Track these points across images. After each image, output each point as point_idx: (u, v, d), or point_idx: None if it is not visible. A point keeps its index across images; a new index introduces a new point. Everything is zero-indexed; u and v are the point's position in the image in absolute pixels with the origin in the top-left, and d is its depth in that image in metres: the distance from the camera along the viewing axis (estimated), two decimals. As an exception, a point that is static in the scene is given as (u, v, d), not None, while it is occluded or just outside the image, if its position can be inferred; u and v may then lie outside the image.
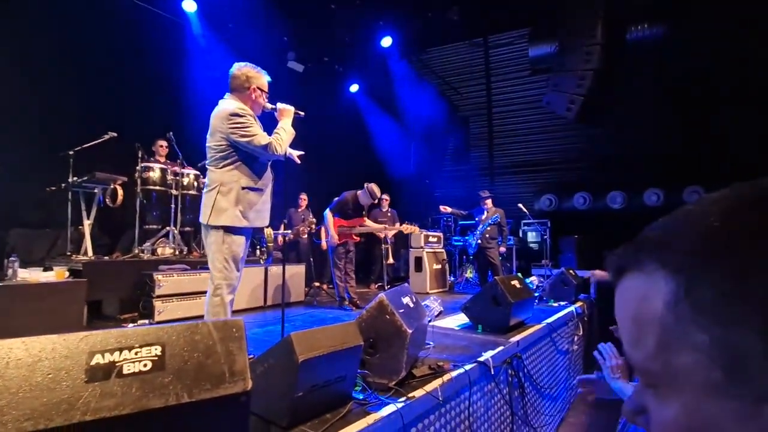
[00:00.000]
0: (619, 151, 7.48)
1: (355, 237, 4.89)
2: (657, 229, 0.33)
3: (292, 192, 6.60)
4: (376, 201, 5.01)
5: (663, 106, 6.99)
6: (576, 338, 4.43)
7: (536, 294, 4.62)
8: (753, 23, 6.03)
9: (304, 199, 6.52)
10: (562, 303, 4.69)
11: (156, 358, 1.05)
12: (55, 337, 0.97)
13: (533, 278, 5.67)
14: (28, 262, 3.86)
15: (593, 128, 7.66)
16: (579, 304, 4.82)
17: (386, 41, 8.11)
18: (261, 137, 2.33)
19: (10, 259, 3.22)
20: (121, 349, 1.02)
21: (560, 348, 3.96)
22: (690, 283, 0.29)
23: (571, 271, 5.05)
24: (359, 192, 4.85)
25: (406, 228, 5.12)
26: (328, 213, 4.81)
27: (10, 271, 3.17)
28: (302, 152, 2.83)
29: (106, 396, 0.95)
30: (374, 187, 4.78)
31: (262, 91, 2.48)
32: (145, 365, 1.02)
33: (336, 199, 4.89)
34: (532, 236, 7.75)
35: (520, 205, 6.08)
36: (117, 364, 1.00)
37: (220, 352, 1.14)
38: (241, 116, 2.30)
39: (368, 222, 5.02)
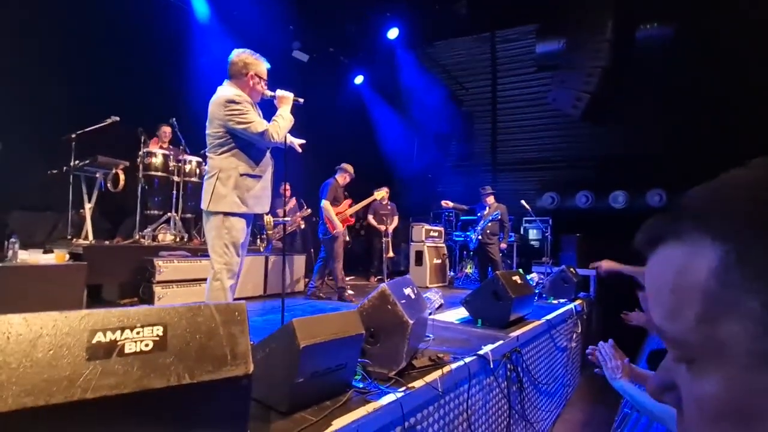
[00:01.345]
0: (623, 150, 7.44)
1: (351, 219, 4.98)
2: (697, 196, 0.31)
3: (293, 183, 6.56)
4: (354, 177, 5.20)
5: (670, 106, 6.94)
6: (575, 336, 4.44)
7: (536, 291, 4.62)
8: (762, 23, 5.96)
9: (287, 189, 6.44)
10: (561, 300, 4.70)
11: (157, 338, 1.04)
12: (57, 314, 0.96)
13: (533, 275, 5.66)
14: (29, 244, 3.84)
15: (598, 127, 7.61)
16: (579, 302, 4.82)
17: (393, 33, 8.04)
18: (258, 124, 2.32)
19: (11, 240, 3.21)
20: (122, 329, 1.01)
21: (559, 345, 3.96)
22: (742, 249, 0.27)
23: (571, 269, 5.05)
24: (337, 176, 5.05)
25: (378, 193, 5.37)
26: (326, 203, 4.79)
27: (10, 252, 3.16)
28: (303, 141, 2.81)
29: (107, 374, 0.94)
30: (348, 166, 5.10)
31: (260, 78, 2.46)
32: (146, 345, 1.01)
33: (325, 189, 4.89)
34: (533, 233, 7.74)
35: (523, 202, 6.05)
36: (118, 343, 0.99)
37: (222, 335, 1.13)
38: (237, 103, 2.30)
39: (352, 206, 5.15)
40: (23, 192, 4.49)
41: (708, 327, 0.28)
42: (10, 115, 4.23)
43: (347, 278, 6.95)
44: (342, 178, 5.05)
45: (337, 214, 4.81)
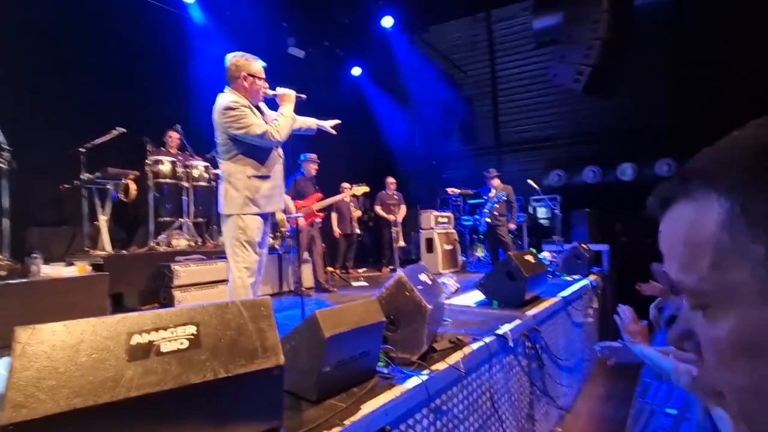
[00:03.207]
0: (628, 122, 7.34)
1: (317, 214, 4.87)
2: (703, 158, 0.34)
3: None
4: (318, 162, 5.09)
5: (674, 73, 6.82)
6: (591, 311, 4.46)
7: (549, 269, 4.62)
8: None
9: None
10: (575, 277, 4.70)
11: (192, 336, 1.08)
12: (95, 320, 1.01)
13: (545, 254, 5.67)
14: (49, 259, 3.93)
15: (601, 100, 7.51)
16: (593, 277, 4.83)
17: (387, 21, 7.96)
18: (256, 126, 2.34)
19: (33, 255, 3.29)
20: (157, 329, 1.06)
21: (576, 321, 3.99)
22: (745, 199, 0.30)
23: (583, 245, 5.04)
24: (303, 170, 4.95)
25: (357, 189, 5.03)
26: (285, 197, 4.75)
27: (33, 268, 3.24)
28: (338, 121, 2.84)
29: (148, 373, 0.99)
30: (310, 155, 5.01)
31: (254, 77, 2.45)
32: (181, 343, 1.06)
33: (287, 185, 4.83)
34: (542, 212, 7.71)
35: (530, 181, 6.03)
36: (155, 344, 1.03)
37: (251, 330, 1.17)
38: (233, 109, 2.32)
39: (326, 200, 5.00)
40: (38, 208, 4.58)
41: (720, 274, 0.31)
42: (19, 133, 4.30)
43: (359, 270, 7.03)
44: (308, 170, 4.96)
45: (301, 208, 4.73)
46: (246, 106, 2.38)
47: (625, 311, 1.64)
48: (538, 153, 8.47)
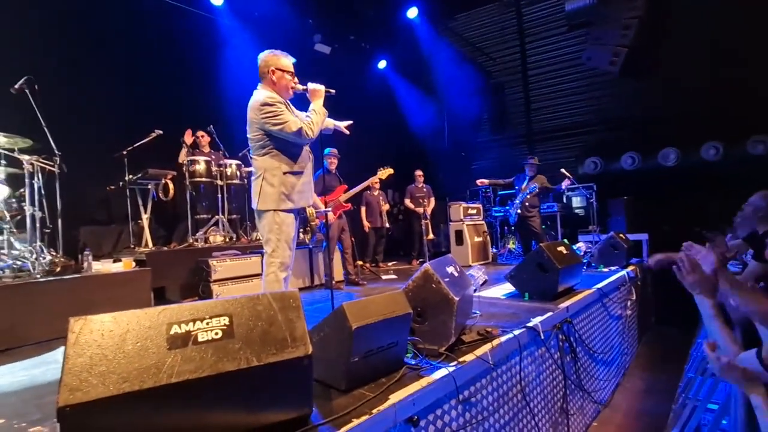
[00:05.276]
0: (668, 105, 6.93)
1: (345, 205, 4.83)
2: None
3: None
4: (339, 157, 5.05)
5: (717, 52, 6.36)
6: (629, 303, 4.29)
7: (584, 260, 4.47)
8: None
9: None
10: (612, 268, 4.54)
11: (225, 327, 1.15)
12: (138, 311, 1.09)
13: (580, 245, 5.49)
14: (99, 255, 4.22)
15: (639, 82, 7.13)
16: (631, 268, 4.63)
17: (412, 12, 7.88)
18: (292, 123, 2.38)
19: (85, 253, 3.55)
20: (194, 320, 1.12)
21: (613, 313, 3.85)
22: None
23: (621, 235, 4.84)
24: (325, 165, 4.88)
25: (382, 173, 4.92)
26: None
27: (85, 264, 3.50)
28: (350, 122, 2.87)
29: (187, 361, 1.05)
30: (331, 150, 4.98)
31: (282, 71, 2.48)
32: (216, 333, 1.12)
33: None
34: (577, 201, 7.45)
35: (563, 170, 5.83)
36: (192, 333, 1.10)
37: (281, 320, 1.22)
38: (271, 105, 2.36)
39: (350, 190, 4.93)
40: (89, 209, 4.91)
41: None
42: (67, 139, 4.59)
43: (389, 263, 7.08)
44: (331, 164, 4.97)
45: (329, 202, 4.71)
46: (282, 103, 2.42)
47: (685, 261, 1.41)
48: (573, 140, 8.17)
